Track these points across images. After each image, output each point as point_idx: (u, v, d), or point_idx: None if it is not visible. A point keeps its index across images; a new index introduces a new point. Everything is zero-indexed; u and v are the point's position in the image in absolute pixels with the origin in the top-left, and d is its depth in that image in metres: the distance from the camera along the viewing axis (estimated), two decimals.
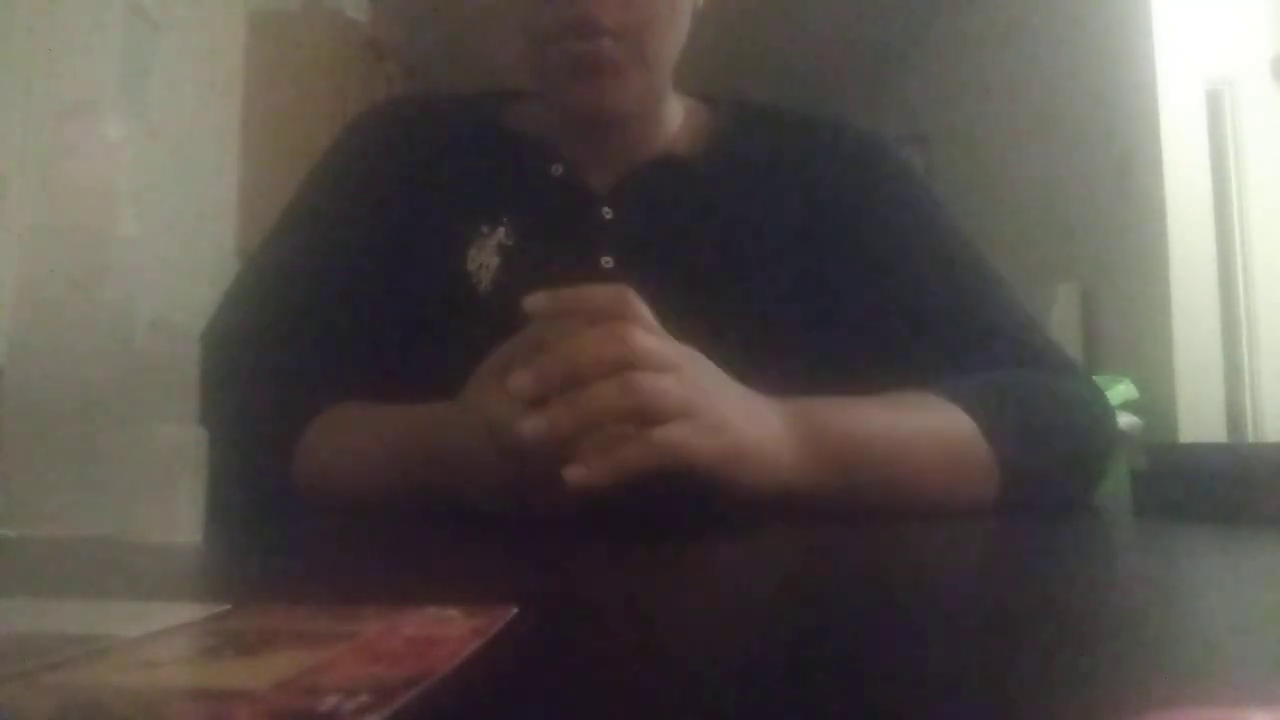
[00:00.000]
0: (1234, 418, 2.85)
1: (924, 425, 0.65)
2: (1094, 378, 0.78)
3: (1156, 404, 2.74)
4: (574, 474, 0.51)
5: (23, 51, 2.07)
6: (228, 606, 0.26)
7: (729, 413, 0.56)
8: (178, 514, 0.46)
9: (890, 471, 0.62)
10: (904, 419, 0.65)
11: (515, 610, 0.26)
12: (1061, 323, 3.13)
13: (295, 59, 3.29)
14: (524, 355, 0.55)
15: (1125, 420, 2.47)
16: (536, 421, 0.51)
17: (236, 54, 3.24)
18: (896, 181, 0.83)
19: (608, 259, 0.76)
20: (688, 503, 0.57)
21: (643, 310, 0.55)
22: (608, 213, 0.78)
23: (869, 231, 0.80)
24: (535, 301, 0.54)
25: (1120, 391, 2.61)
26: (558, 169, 0.79)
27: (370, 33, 3.69)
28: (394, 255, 0.77)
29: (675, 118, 0.84)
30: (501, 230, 0.76)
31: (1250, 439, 2.86)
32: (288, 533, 0.58)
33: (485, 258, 0.75)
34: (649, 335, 0.54)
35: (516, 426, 0.51)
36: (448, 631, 0.23)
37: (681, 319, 0.58)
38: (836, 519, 0.59)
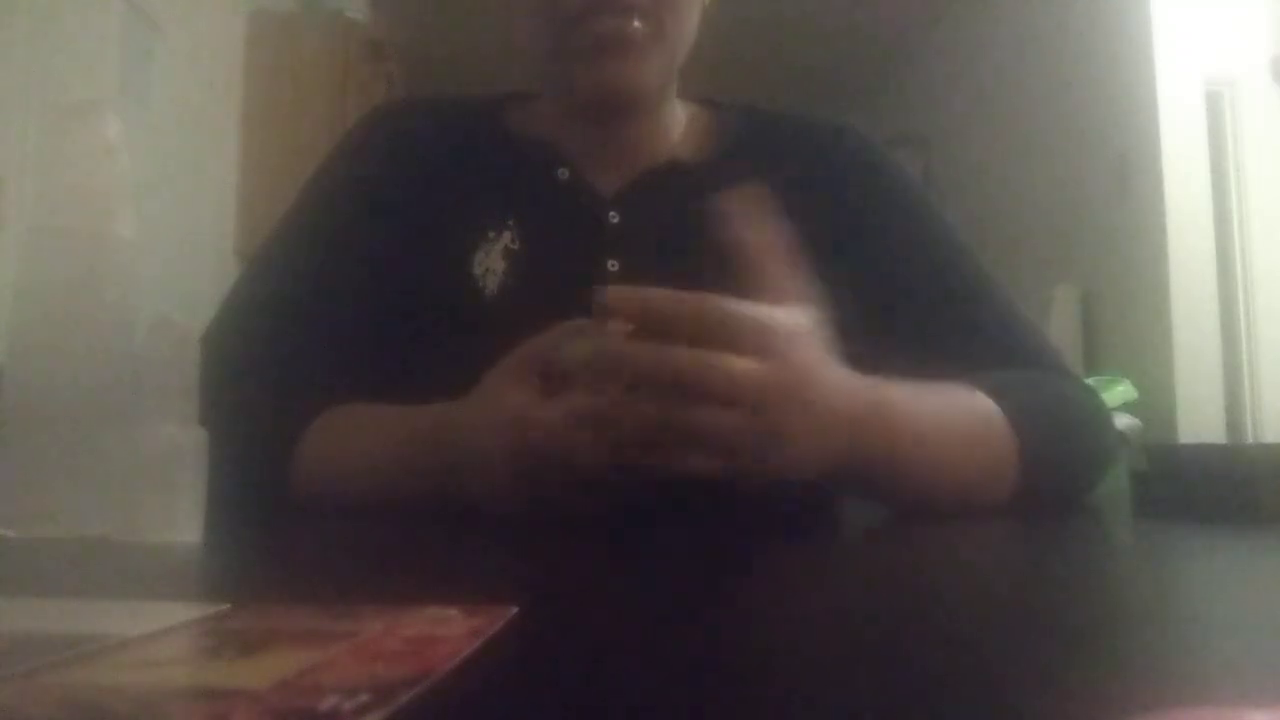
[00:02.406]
0: (1234, 418, 2.86)
1: (964, 411, 0.65)
2: (1094, 379, 0.78)
3: (1156, 404, 2.74)
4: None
5: (23, 51, 2.07)
6: (228, 606, 0.26)
7: (798, 419, 0.53)
8: (177, 514, 0.46)
9: (935, 456, 0.61)
10: (949, 404, 0.65)
11: (515, 610, 0.26)
12: (1061, 324, 3.13)
13: (295, 59, 3.30)
14: (548, 354, 0.55)
15: (1125, 421, 2.47)
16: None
17: (236, 54, 3.24)
18: (896, 187, 0.84)
19: (613, 262, 0.76)
20: (702, 497, 0.57)
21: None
22: (614, 216, 0.78)
23: (869, 235, 0.80)
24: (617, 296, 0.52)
25: (1120, 392, 2.61)
26: (564, 172, 0.79)
27: (370, 33, 3.69)
28: (399, 258, 0.77)
29: (680, 122, 0.84)
30: (507, 234, 0.76)
31: (1250, 439, 2.86)
32: (288, 533, 0.58)
33: (491, 262, 0.75)
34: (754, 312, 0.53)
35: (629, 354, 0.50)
36: (448, 631, 0.23)
37: None
38: (835, 520, 0.59)
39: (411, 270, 0.77)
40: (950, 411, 0.64)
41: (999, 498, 0.65)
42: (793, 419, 0.52)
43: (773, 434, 0.52)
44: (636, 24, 0.71)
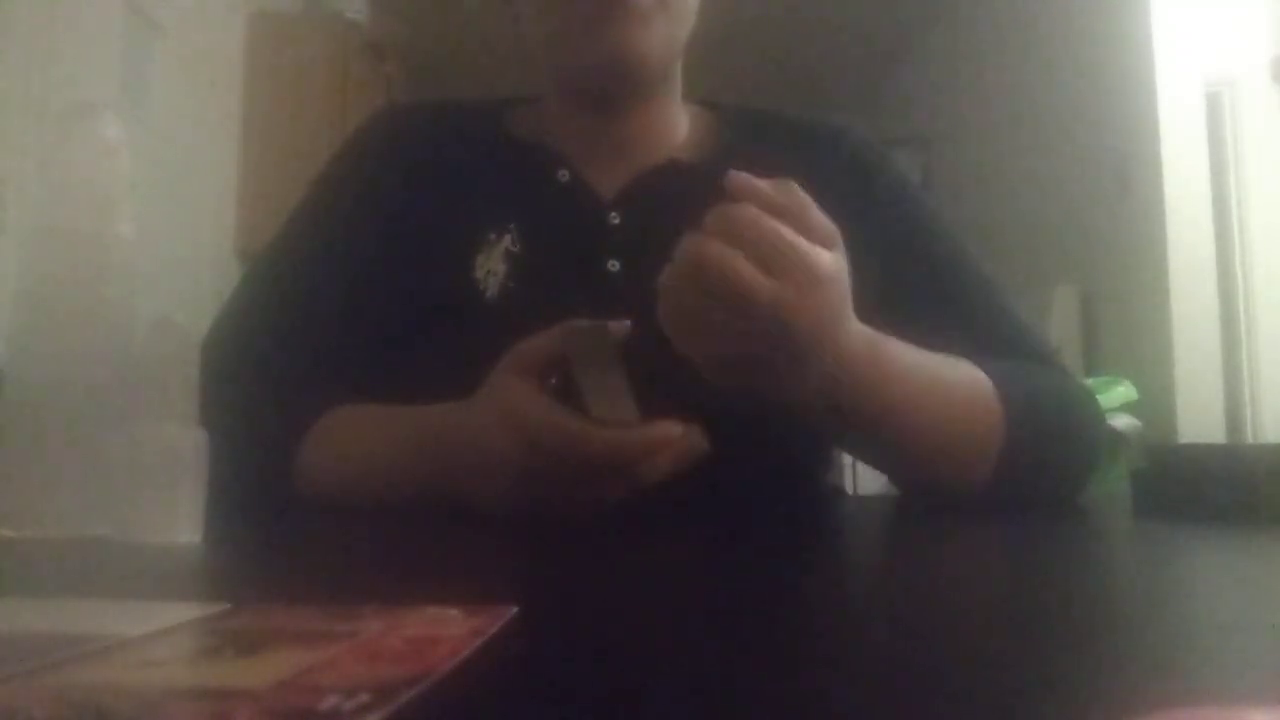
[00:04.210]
0: (1233, 418, 2.85)
1: (958, 375, 0.67)
2: (1094, 379, 0.78)
3: (1156, 405, 2.74)
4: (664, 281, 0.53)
5: (23, 52, 2.07)
6: (228, 606, 0.26)
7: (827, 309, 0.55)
8: (178, 514, 0.46)
9: (923, 405, 0.63)
10: (944, 365, 0.67)
11: (515, 610, 0.26)
12: (1061, 324, 3.13)
13: (295, 59, 3.30)
14: (549, 353, 0.56)
15: (1125, 421, 2.47)
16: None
17: (236, 54, 3.24)
18: (894, 188, 0.84)
19: (614, 263, 0.76)
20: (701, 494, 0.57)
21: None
22: (614, 218, 0.78)
23: (868, 234, 0.80)
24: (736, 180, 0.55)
25: (1120, 393, 2.61)
26: (564, 174, 0.79)
27: (370, 33, 3.69)
28: (401, 261, 0.77)
29: (680, 124, 0.84)
30: (508, 237, 0.76)
31: (1250, 440, 2.85)
32: (288, 533, 0.58)
33: (493, 264, 0.76)
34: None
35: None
36: (448, 631, 0.23)
37: None
38: (836, 519, 0.59)
39: (413, 273, 0.77)
40: (943, 373, 0.66)
41: (978, 472, 0.66)
42: (814, 336, 0.54)
43: (793, 342, 0.53)
44: None
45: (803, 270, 0.52)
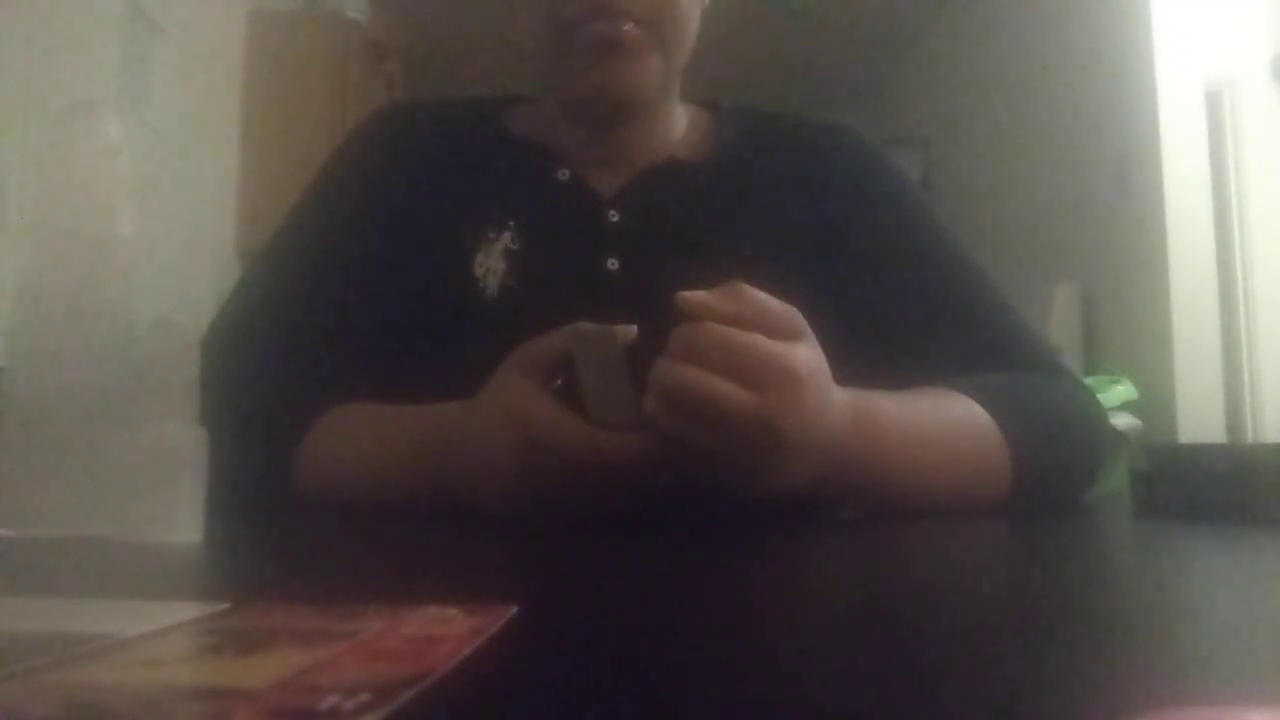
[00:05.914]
0: (1233, 418, 2.85)
1: (953, 418, 0.66)
2: (1094, 379, 0.78)
3: (1156, 404, 2.74)
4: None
5: (23, 51, 2.07)
6: (228, 605, 0.26)
7: (811, 407, 0.53)
8: (178, 514, 0.46)
9: (924, 462, 0.62)
10: (937, 411, 0.65)
11: (515, 610, 0.26)
12: (1061, 323, 3.13)
13: (295, 59, 3.30)
14: (552, 354, 0.56)
15: (1125, 421, 2.47)
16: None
17: (236, 54, 3.24)
18: (894, 188, 0.84)
19: (613, 261, 0.76)
20: (703, 501, 0.57)
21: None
22: (613, 216, 0.78)
23: (867, 236, 0.80)
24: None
25: (1120, 392, 2.61)
26: (563, 173, 0.80)
27: (370, 33, 3.69)
28: (400, 259, 0.77)
29: (679, 123, 0.84)
30: (508, 235, 0.77)
31: (1250, 439, 2.86)
32: (288, 533, 0.58)
33: (492, 262, 0.76)
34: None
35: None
36: (448, 631, 0.23)
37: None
38: (835, 520, 0.59)
39: (412, 271, 0.77)
40: (939, 421, 0.65)
41: (994, 500, 0.65)
42: (804, 433, 0.53)
43: (773, 438, 0.52)
44: (632, 29, 0.72)
45: (782, 375, 0.51)
